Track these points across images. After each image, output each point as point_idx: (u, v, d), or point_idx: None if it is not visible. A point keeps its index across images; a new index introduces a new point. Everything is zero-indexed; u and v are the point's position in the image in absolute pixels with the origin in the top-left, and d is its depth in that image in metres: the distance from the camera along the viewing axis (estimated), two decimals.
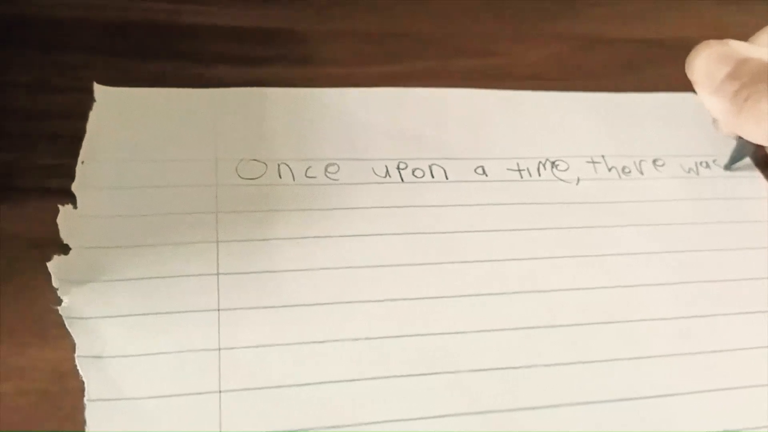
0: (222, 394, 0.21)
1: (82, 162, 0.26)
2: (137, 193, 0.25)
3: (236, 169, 0.26)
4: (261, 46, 0.31)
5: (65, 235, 0.24)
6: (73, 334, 0.22)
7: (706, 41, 0.28)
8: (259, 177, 0.26)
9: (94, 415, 0.20)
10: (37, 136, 0.27)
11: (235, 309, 0.23)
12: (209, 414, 0.21)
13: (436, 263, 0.25)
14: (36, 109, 0.27)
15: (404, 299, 0.24)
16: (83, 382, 0.21)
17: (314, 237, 0.25)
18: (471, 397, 0.22)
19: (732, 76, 0.26)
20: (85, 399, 0.21)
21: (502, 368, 0.23)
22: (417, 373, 0.22)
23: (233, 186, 0.26)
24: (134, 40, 0.31)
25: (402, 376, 0.22)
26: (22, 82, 0.28)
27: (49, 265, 0.23)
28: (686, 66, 0.28)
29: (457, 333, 0.23)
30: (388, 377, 0.22)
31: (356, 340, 0.23)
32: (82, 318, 0.22)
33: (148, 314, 0.23)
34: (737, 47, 0.27)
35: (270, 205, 0.26)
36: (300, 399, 0.21)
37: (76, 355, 0.21)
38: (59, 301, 0.22)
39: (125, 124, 0.27)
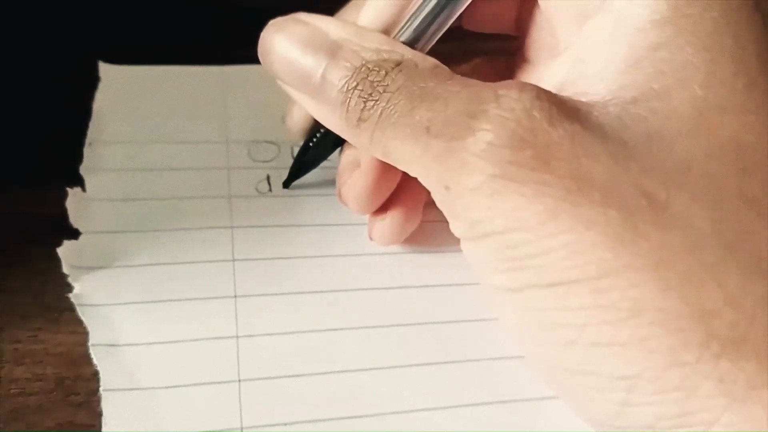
0: (242, 383, 0.21)
1: (90, 144, 0.25)
2: (147, 176, 0.25)
3: (248, 152, 0.26)
4: None
5: (74, 219, 0.23)
6: (85, 322, 0.21)
7: (274, 21, 0.20)
8: (272, 160, 0.26)
9: (110, 405, 0.20)
10: (46, 117, 0.26)
11: (252, 296, 0.22)
12: (229, 404, 0.20)
13: (453, 251, 0.24)
14: (44, 89, 0.27)
15: (425, 286, 0.23)
16: (98, 370, 0.21)
17: (331, 223, 0.24)
18: (489, 384, 0.22)
19: (337, 68, 0.19)
20: (101, 389, 0.20)
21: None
22: (440, 362, 0.22)
23: (246, 169, 0.25)
24: (141, 16, 0.30)
25: (423, 364, 0.22)
26: (25, 61, 0.27)
27: (59, 250, 0.22)
28: (261, 58, 0.21)
29: (480, 320, 0.23)
30: (409, 366, 0.22)
31: (376, 328, 0.22)
32: (94, 305, 0.22)
33: (162, 301, 0.22)
34: (320, 24, 0.19)
35: (284, 189, 0.25)
36: (322, 388, 0.21)
37: (89, 343, 0.21)
38: (70, 288, 0.22)
39: (132, 103, 0.26)
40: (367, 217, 0.24)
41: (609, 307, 0.16)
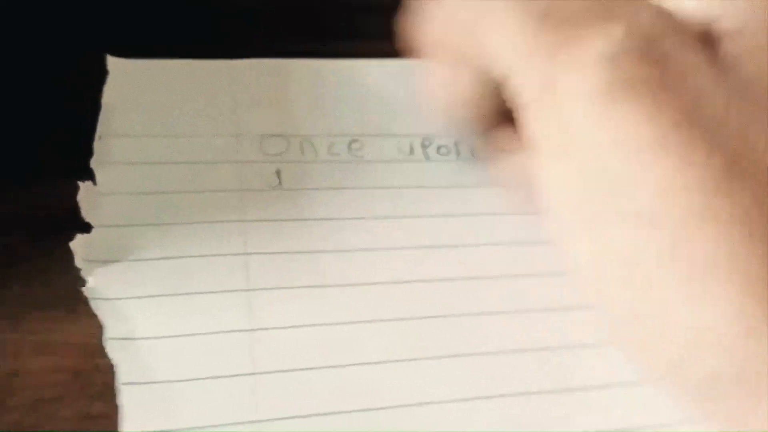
0: (256, 376, 0.21)
1: (100, 137, 0.25)
2: (157, 170, 0.25)
3: (259, 145, 0.26)
4: (286, 18, 0.30)
5: (86, 213, 0.23)
6: (100, 316, 0.21)
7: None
8: (282, 153, 0.26)
9: (128, 399, 0.20)
10: (46, 116, 0.26)
11: (265, 289, 0.22)
12: (245, 397, 0.20)
13: (466, 245, 0.24)
14: (44, 89, 0.26)
15: (438, 280, 0.24)
16: (114, 362, 0.21)
17: (342, 216, 0.24)
18: (506, 378, 0.22)
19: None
20: (119, 382, 0.20)
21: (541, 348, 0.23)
22: (454, 354, 0.22)
23: (256, 163, 0.25)
24: (142, 16, 0.30)
25: (438, 357, 0.22)
26: (25, 61, 0.27)
27: (72, 244, 0.22)
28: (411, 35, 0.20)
29: (498, 313, 0.23)
30: (423, 359, 0.22)
31: (390, 321, 0.22)
32: (108, 299, 0.22)
33: (175, 295, 0.22)
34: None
35: (295, 183, 0.25)
36: (336, 381, 0.21)
37: (105, 337, 0.21)
38: (84, 282, 0.22)
39: (141, 97, 0.26)
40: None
41: (687, 254, 0.15)
